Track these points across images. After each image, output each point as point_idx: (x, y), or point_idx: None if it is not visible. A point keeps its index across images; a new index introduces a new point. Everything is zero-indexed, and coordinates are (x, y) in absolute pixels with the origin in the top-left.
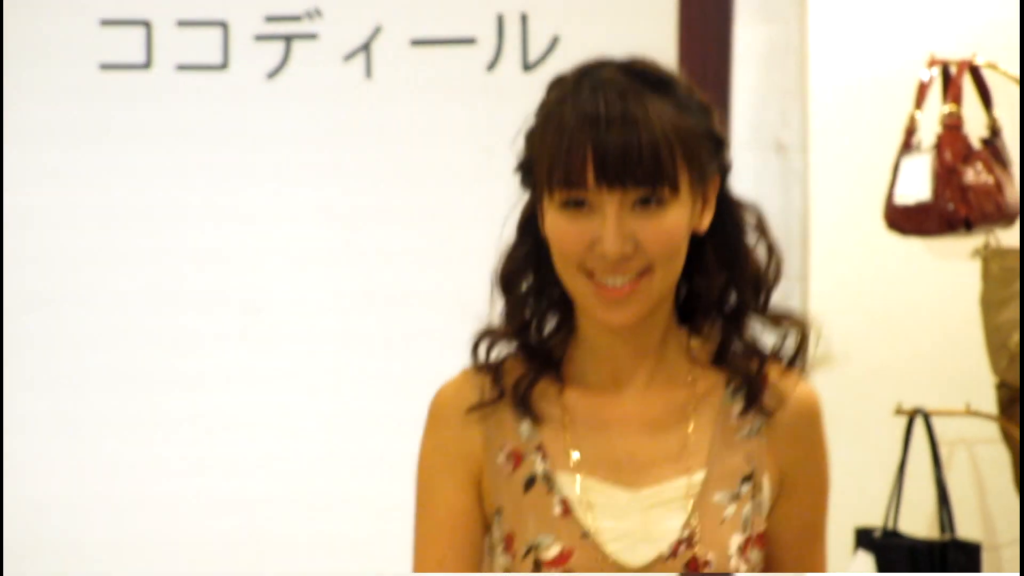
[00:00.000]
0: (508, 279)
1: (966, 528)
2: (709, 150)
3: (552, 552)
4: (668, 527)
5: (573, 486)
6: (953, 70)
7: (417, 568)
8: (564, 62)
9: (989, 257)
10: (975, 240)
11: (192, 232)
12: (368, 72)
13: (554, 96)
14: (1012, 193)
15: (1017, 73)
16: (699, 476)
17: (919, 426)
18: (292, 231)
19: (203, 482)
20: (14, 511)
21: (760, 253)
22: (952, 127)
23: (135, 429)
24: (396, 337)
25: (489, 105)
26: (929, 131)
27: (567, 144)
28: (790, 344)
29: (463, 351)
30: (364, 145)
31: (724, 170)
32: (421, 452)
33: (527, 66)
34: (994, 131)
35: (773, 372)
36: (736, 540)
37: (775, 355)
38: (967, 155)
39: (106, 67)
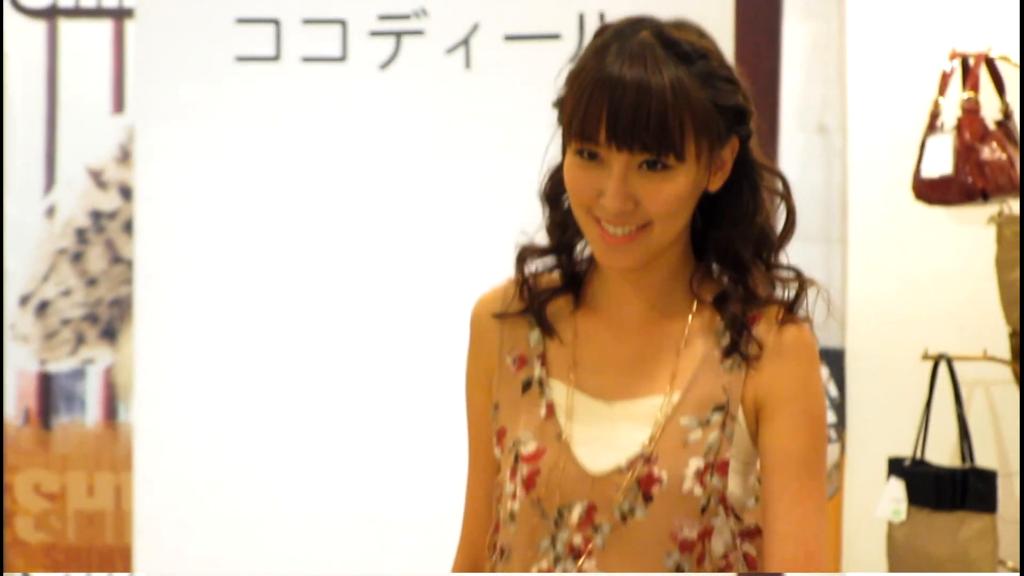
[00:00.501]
0: (552, 194)
1: (983, 458)
2: (727, 120)
3: (529, 448)
4: (632, 439)
5: (562, 393)
6: (971, 62)
7: (469, 474)
8: None
9: (1003, 223)
10: (991, 209)
11: (316, 205)
12: (467, 64)
13: (592, 48)
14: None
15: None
16: (674, 399)
17: (943, 370)
18: (401, 203)
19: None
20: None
21: (774, 215)
22: (970, 111)
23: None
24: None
25: None
26: (950, 115)
27: (587, 100)
28: (791, 296)
29: None
30: (463, 127)
31: (744, 137)
32: (466, 365)
33: None
34: (1006, 114)
35: (770, 318)
36: (695, 464)
37: (776, 304)
38: (983, 135)
39: (241, 59)
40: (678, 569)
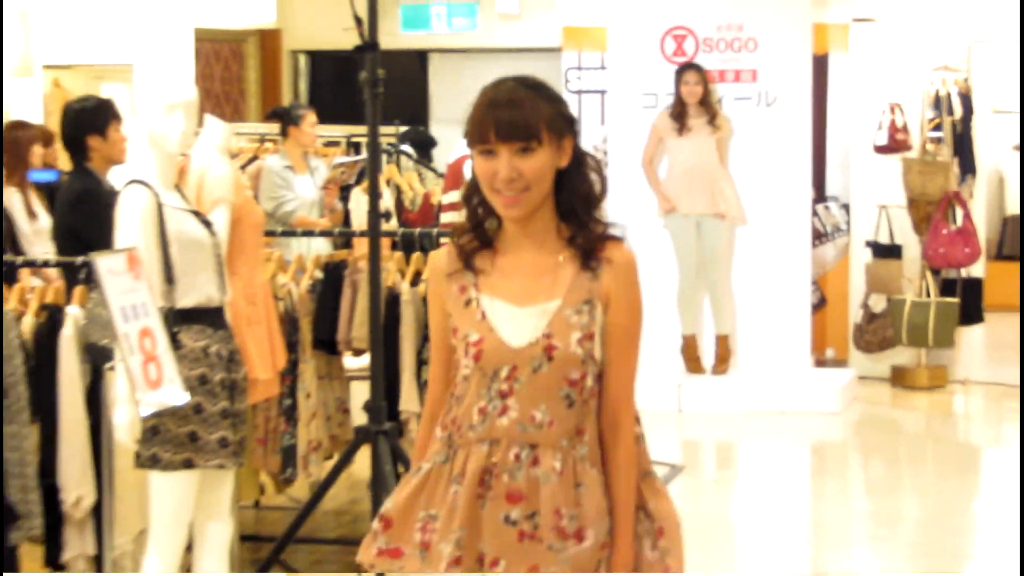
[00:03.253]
0: (466, 199)
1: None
2: (562, 122)
3: (474, 338)
4: (537, 326)
5: (489, 303)
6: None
7: (432, 361)
8: None
9: None
10: None
11: None
12: None
13: (479, 95)
14: None
15: None
16: (557, 302)
17: None
18: None
19: None
20: None
21: (596, 184)
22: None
23: None
24: None
25: None
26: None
27: (481, 118)
28: (614, 232)
29: None
30: None
31: (575, 134)
32: (426, 298)
33: None
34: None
35: (610, 246)
36: (575, 335)
37: (609, 238)
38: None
39: None
40: (567, 398)
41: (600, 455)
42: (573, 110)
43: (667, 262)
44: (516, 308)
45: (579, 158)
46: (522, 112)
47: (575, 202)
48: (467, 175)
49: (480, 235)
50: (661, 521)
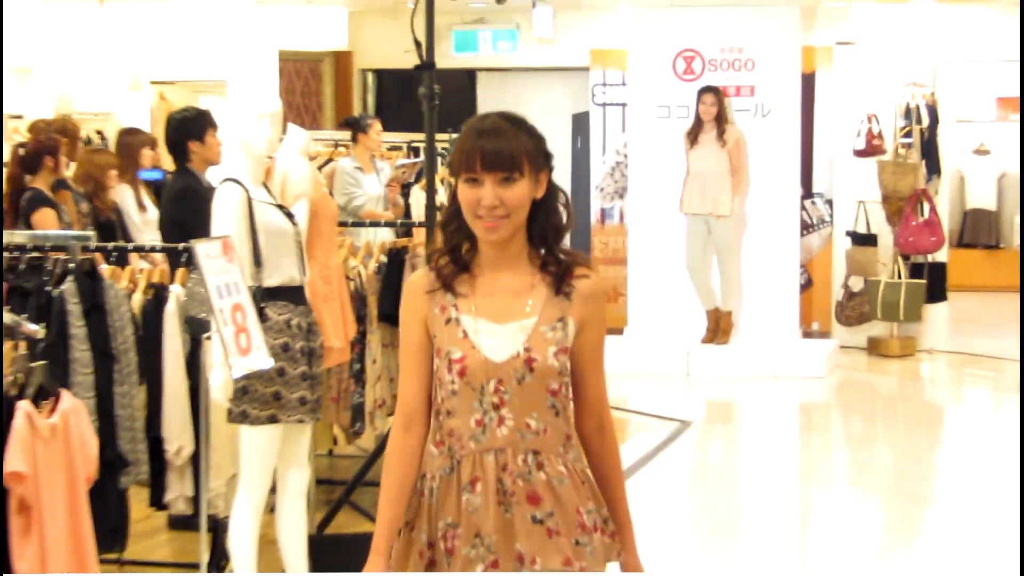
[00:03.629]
0: (443, 225)
1: None
2: (541, 157)
3: (456, 355)
4: (517, 341)
5: (469, 322)
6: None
7: (403, 370)
8: None
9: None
10: None
11: None
12: None
13: (464, 128)
14: None
15: None
16: (534, 319)
17: None
18: None
19: None
20: None
21: (564, 216)
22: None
23: None
24: None
25: None
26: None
27: (468, 149)
28: (580, 260)
29: None
30: None
31: (550, 168)
32: (401, 312)
33: None
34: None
35: (578, 272)
36: (552, 349)
37: (580, 264)
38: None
39: None
40: (553, 407)
41: (583, 455)
42: (595, 127)
43: (678, 249)
44: (496, 325)
45: (552, 191)
46: (506, 145)
47: (547, 230)
48: None
49: (456, 259)
50: None
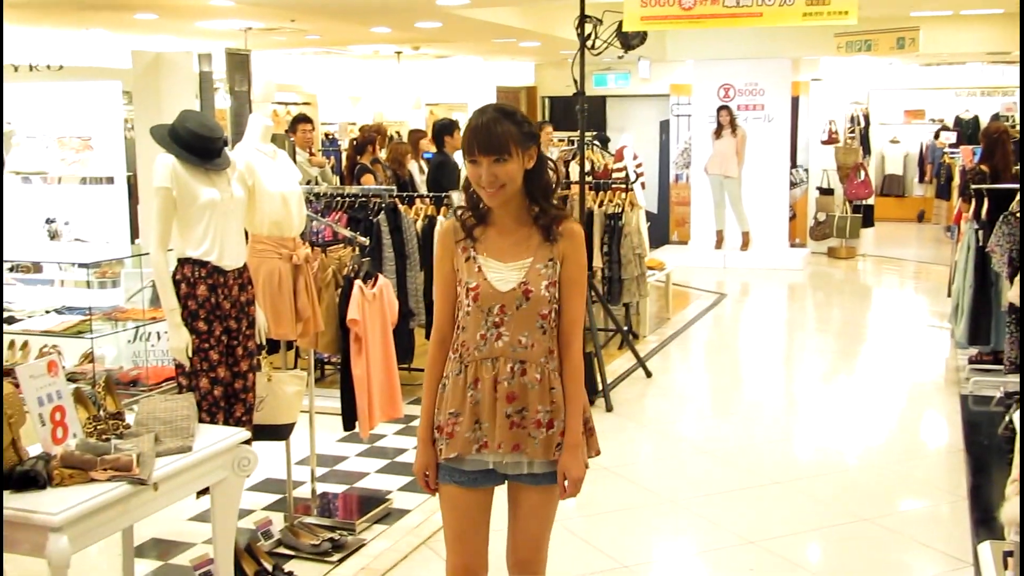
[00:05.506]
0: (465, 189)
1: None
2: (526, 138)
3: (472, 284)
4: (517, 276)
5: (483, 261)
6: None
7: (436, 298)
8: None
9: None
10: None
11: None
12: None
13: (470, 119)
14: None
15: None
16: (530, 259)
17: None
18: None
19: None
20: None
21: (551, 179)
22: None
23: None
24: None
25: None
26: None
27: (470, 138)
28: (564, 213)
29: None
30: None
31: (538, 144)
32: (435, 253)
33: None
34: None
35: (564, 223)
36: (544, 283)
37: (563, 216)
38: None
39: None
40: (541, 327)
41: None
42: (673, 128)
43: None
44: (502, 264)
45: (541, 161)
46: (496, 133)
47: (537, 191)
48: (625, 157)
49: (476, 214)
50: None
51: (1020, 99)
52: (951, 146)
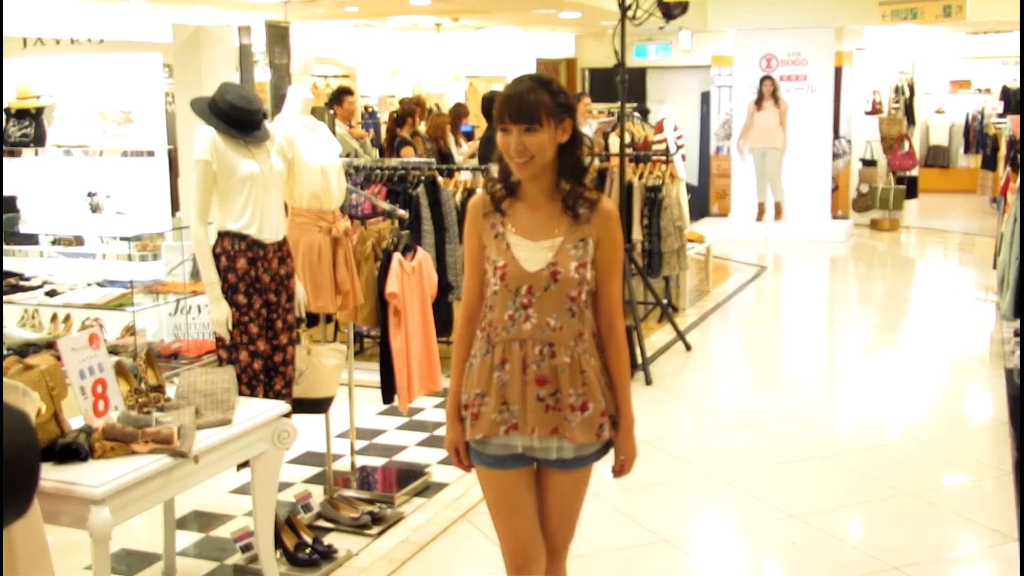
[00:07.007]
0: (497, 160)
1: None
2: (562, 110)
3: (500, 263)
4: (546, 256)
5: (512, 238)
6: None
7: (466, 272)
8: None
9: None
10: None
11: None
12: None
13: (504, 87)
14: None
15: None
16: (561, 239)
17: None
18: None
19: None
20: None
21: (584, 159)
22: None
23: None
24: None
25: None
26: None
27: (502, 105)
28: (597, 193)
29: None
30: None
31: (573, 118)
32: (464, 226)
33: None
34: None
35: (598, 202)
36: (573, 264)
37: (596, 193)
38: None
39: None
40: (570, 309)
41: (595, 350)
42: (714, 99)
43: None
44: (531, 242)
45: (576, 137)
46: (528, 101)
47: (568, 169)
48: (665, 129)
49: (507, 186)
50: None
51: (1021, 95)
52: (998, 116)
